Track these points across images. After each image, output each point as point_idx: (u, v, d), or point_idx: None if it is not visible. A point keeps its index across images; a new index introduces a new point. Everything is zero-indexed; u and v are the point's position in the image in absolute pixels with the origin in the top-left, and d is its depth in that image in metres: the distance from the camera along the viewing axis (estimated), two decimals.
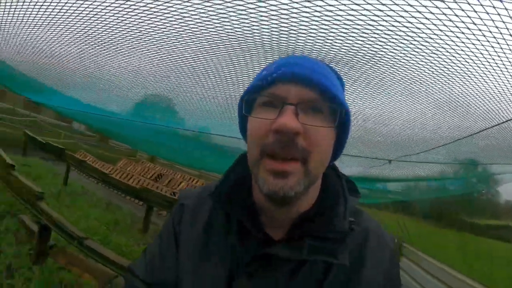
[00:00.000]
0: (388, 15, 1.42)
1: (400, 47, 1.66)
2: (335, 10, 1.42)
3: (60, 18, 1.90)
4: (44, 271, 4.27)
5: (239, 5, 1.47)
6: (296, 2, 1.40)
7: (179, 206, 0.97)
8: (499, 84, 1.97)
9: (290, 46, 1.81)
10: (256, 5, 1.45)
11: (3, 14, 2.03)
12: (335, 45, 1.73)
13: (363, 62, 1.90)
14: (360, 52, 1.78)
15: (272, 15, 1.54)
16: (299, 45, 1.77)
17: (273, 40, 1.77)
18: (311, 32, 1.63)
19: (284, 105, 0.70)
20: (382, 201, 9.79)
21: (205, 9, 1.59)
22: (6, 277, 4.04)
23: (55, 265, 4.45)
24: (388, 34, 1.57)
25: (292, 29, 1.63)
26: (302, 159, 0.70)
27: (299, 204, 0.79)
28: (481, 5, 1.31)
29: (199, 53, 2.18)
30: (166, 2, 1.59)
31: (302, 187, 0.71)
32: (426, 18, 1.40)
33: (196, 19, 1.70)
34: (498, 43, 1.56)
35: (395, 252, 0.86)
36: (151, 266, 0.92)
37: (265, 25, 1.62)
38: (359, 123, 2.90)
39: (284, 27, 1.61)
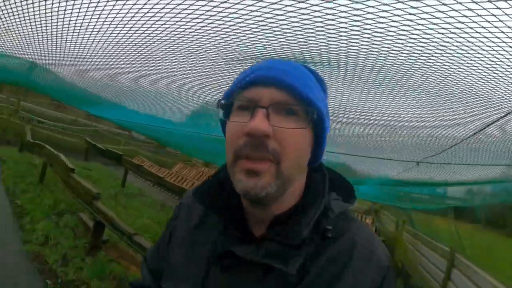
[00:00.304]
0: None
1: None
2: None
3: (119, 34, 2.00)
4: (96, 262, 4.65)
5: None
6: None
7: (178, 204, 1.04)
8: None
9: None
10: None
11: (67, 36, 2.24)
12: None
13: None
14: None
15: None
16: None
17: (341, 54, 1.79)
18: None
19: (256, 108, 0.71)
20: (440, 207, 9.21)
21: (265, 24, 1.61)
22: (60, 265, 4.46)
23: (106, 258, 4.83)
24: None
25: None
26: (274, 160, 0.70)
27: (276, 205, 0.79)
28: None
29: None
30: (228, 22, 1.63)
31: (274, 188, 0.71)
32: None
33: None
34: None
35: (389, 272, 0.79)
36: (151, 255, 1.04)
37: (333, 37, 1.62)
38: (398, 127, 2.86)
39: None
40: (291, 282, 0.74)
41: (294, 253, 0.73)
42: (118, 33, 1.97)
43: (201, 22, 1.68)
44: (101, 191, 8.13)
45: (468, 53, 1.51)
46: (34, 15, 1.89)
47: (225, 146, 0.77)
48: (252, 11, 1.47)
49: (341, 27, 1.48)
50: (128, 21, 1.76)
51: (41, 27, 2.07)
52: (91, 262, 4.65)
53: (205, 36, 1.86)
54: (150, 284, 1.00)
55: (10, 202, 6.32)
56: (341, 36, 1.56)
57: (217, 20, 1.64)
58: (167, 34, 1.91)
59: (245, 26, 1.65)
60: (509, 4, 1.09)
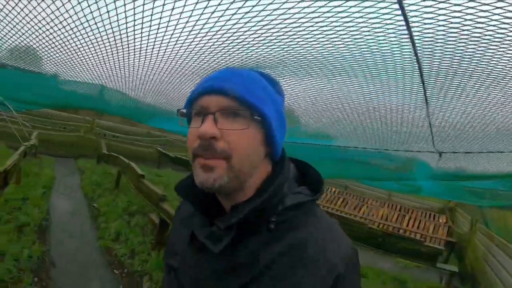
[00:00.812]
0: None
1: None
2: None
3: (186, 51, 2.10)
4: (160, 255, 4.96)
5: None
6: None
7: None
8: None
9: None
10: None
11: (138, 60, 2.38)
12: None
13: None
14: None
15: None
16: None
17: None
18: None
19: (205, 115, 0.81)
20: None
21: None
22: (128, 258, 4.87)
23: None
24: None
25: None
26: (224, 158, 0.80)
27: (238, 196, 0.87)
28: None
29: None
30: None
31: (226, 180, 0.80)
32: None
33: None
34: None
35: (344, 278, 0.79)
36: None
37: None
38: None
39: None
40: (241, 266, 0.82)
41: (222, 235, 0.81)
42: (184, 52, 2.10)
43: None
44: (170, 194, 8.71)
45: None
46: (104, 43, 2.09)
47: (187, 147, 0.87)
48: None
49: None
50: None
51: (112, 52, 2.25)
52: (156, 255, 4.97)
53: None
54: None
55: (88, 205, 6.98)
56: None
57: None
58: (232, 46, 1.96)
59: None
60: None
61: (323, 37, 1.62)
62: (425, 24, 1.33)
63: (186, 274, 0.93)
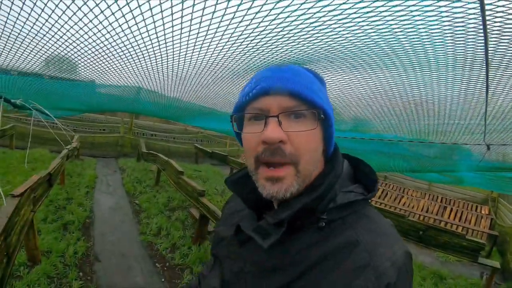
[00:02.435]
0: None
1: None
2: None
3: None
4: (200, 249, 4.98)
5: None
6: None
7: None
8: None
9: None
10: None
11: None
12: None
13: None
14: None
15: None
16: None
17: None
18: None
19: (267, 118, 0.76)
20: None
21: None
22: (169, 252, 4.90)
23: (210, 246, 5.14)
24: None
25: None
26: (292, 162, 0.76)
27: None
28: None
29: None
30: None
31: (296, 188, 0.77)
32: None
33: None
34: None
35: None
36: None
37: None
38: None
39: None
40: (286, 264, 0.79)
41: (272, 230, 0.78)
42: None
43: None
44: (208, 188, 8.79)
45: None
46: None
47: (245, 154, 0.85)
48: None
49: None
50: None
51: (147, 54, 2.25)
52: (196, 249, 4.98)
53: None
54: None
55: (129, 202, 7.11)
56: None
57: None
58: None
59: None
60: None
61: (370, 28, 1.49)
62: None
63: (229, 266, 0.92)
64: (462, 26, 1.29)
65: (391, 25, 1.40)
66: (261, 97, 0.78)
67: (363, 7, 1.28)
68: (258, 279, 0.82)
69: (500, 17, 1.18)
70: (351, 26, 1.46)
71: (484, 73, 1.66)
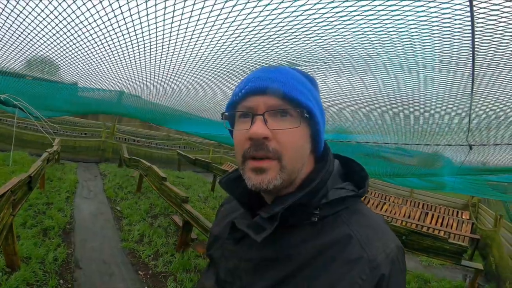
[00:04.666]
0: None
1: None
2: None
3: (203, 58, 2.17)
4: (184, 257, 4.93)
5: None
6: None
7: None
8: None
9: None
10: None
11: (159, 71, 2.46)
12: None
13: None
14: None
15: None
16: None
17: None
18: None
19: (254, 116, 0.81)
20: None
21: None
22: (152, 259, 4.84)
23: (194, 254, 5.12)
24: None
25: None
26: (275, 158, 0.80)
27: (281, 191, 0.86)
28: None
29: None
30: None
31: (280, 181, 0.80)
32: None
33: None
34: None
35: (389, 281, 0.75)
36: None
37: None
38: None
39: None
40: (282, 259, 0.82)
41: (266, 224, 0.81)
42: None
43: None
44: (191, 195, 8.73)
45: None
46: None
47: (235, 150, 0.89)
48: None
49: None
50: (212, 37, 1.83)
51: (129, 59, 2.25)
52: (180, 256, 4.94)
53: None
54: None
55: (111, 208, 7.00)
56: None
57: None
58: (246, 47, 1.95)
59: None
60: None
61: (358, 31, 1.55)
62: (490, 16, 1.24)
63: (224, 264, 0.94)
64: (450, 24, 1.36)
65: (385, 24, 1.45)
66: (250, 97, 0.82)
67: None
68: (253, 276, 0.85)
69: (485, 13, 1.25)
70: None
71: (470, 67, 1.73)
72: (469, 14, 1.22)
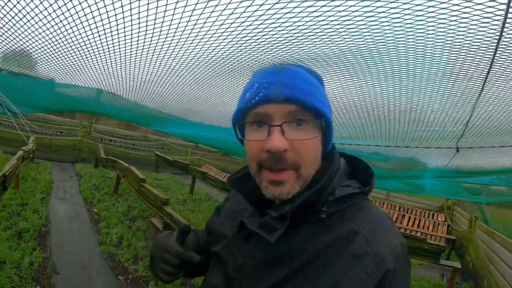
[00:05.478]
0: None
1: None
2: None
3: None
4: None
5: None
6: None
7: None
8: None
9: None
10: None
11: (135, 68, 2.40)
12: None
13: None
14: None
15: None
16: None
17: None
18: None
19: (271, 127, 0.78)
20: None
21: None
22: (132, 263, 4.75)
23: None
24: None
25: None
26: (294, 168, 0.79)
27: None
28: None
29: None
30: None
31: (297, 189, 0.81)
32: None
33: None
34: None
35: (394, 277, 0.74)
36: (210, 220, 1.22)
37: None
38: None
39: None
40: (290, 255, 0.82)
41: (277, 224, 0.81)
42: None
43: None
44: (170, 197, 8.63)
45: None
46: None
47: (247, 158, 0.88)
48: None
49: None
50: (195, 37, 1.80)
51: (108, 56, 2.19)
52: None
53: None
54: (203, 235, 1.21)
55: (87, 210, 6.84)
56: None
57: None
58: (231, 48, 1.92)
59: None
60: None
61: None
62: None
63: (232, 263, 0.92)
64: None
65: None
66: (264, 104, 0.80)
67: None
68: (262, 273, 0.84)
69: None
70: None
71: (483, 78, 1.75)
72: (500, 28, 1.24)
